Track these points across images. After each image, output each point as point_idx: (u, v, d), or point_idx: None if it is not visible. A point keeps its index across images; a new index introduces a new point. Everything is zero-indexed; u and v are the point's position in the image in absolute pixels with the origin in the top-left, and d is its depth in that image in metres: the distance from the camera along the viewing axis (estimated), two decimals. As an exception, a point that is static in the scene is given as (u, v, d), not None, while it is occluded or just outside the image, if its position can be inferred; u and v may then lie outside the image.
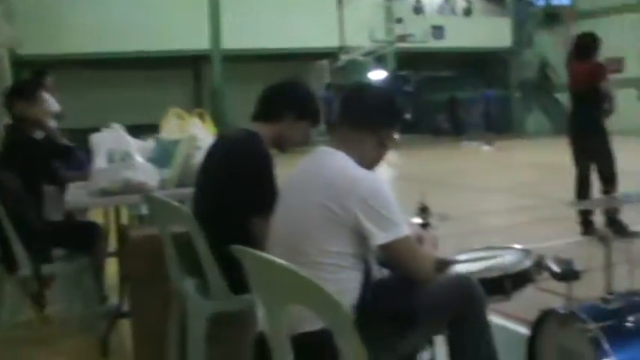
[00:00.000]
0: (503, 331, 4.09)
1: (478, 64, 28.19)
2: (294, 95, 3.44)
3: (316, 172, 2.68)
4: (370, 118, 2.78)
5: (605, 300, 3.10)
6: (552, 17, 26.85)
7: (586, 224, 7.29)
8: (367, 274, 2.67)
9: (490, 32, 27.35)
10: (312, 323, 2.35)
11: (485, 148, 21.32)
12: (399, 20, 24.66)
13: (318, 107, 3.47)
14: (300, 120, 3.40)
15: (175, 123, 5.05)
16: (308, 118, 3.43)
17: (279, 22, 23.06)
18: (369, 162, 2.77)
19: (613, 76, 24.70)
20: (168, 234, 3.43)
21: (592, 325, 2.92)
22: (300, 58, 25.18)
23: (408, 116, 23.00)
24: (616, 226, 7.01)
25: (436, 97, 31.76)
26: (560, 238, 7.19)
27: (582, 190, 7.40)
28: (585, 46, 7.46)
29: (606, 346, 2.87)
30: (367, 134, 2.77)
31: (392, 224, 2.56)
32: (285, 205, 2.75)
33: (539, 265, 3.07)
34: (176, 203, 3.30)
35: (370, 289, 2.65)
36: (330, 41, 24.36)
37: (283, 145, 3.44)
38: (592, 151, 7.35)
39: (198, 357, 3.20)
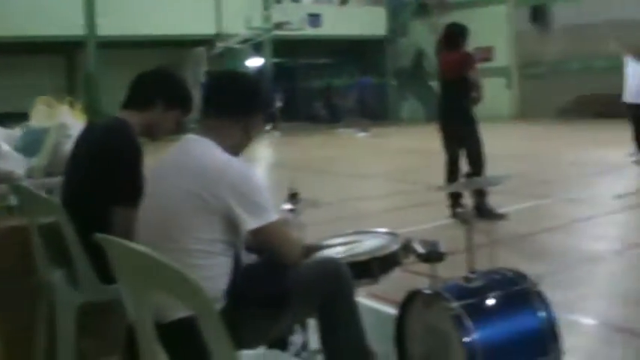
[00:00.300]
0: (372, 312, 4.22)
1: (354, 52, 28.62)
2: (164, 83, 3.41)
3: (184, 160, 2.69)
4: (235, 105, 2.81)
5: (467, 279, 3.25)
6: (425, 7, 27.57)
7: (455, 207, 7.57)
8: (237, 259, 2.70)
9: (366, 21, 27.81)
10: (180, 311, 2.37)
11: (361, 134, 21.69)
12: (276, 7, 24.69)
13: (190, 95, 3.45)
14: (170, 108, 3.37)
15: (45, 111, 4.93)
16: (179, 107, 3.41)
17: (155, 8, 22.66)
18: (236, 149, 2.80)
19: (483, 65, 25.69)
20: (36, 225, 3.35)
21: (454, 304, 3.05)
22: (177, 45, 24.84)
23: (279, 105, 23.15)
24: (482, 209, 7.33)
25: (313, 85, 32.08)
26: (431, 222, 7.44)
27: (451, 174, 7.69)
28: (454, 36, 7.71)
29: (468, 323, 3.00)
30: (232, 122, 2.80)
31: (262, 210, 2.61)
32: (153, 193, 2.75)
33: (406, 248, 3.18)
34: (44, 194, 3.23)
35: (240, 275, 2.69)
36: (206, 28, 24.14)
37: (154, 134, 3.41)
38: (460, 137, 7.63)
39: (68, 349, 3.15)
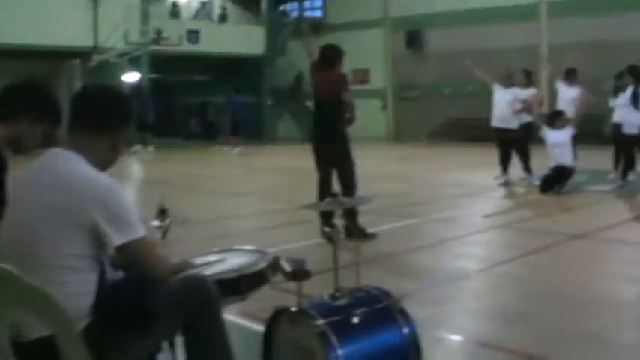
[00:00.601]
0: (239, 329, 4.24)
1: (232, 70, 28.60)
2: (31, 95, 3.32)
3: (48, 175, 2.64)
4: (102, 120, 2.79)
5: (333, 297, 3.32)
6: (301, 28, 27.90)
7: (326, 226, 7.64)
8: (102, 275, 2.67)
9: (244, 39, 27.88)
10: (40, 329, 2.32)
11: (235, 152, 21.65)
12: (155, 23, 24.39)
13: (59, 108, 3.37)
14: (37, 121, 3.29)
15: None
16: (46, 120, 3.33)
17: (30, 18, 21.87)
18: (103, 164, 2.78)
19: (360, 87, 26.06)
20: None
21: (320, 321, 3.12)
22: (52, 57, 24.09)
23: (151, 120, 22.86)
24: (353, 229, 7.47)
25: (190, 101, 31.80)
26: (302, 240, 7.52)
27: (323, 194, 7.77)
28: (329, 57, 7.85)
29: (334, 339, 3.07)
30: (100, 136, 2.78)
31: (128, 225, 2.60)
32: (14, 208, 2.68)
33: (274, 265, 3.22)
34: None
35: (106, 291, 2.66)
36: (83, 40, 23.54)
37: (20, 147, 3.31)
38: (333, 157, 7.75)
39: None
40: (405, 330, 3.25)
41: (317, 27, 25.82)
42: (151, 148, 22.12)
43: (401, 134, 27.20)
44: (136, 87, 23.31)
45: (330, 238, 3.47)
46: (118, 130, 2.83)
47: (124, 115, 2.87)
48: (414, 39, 26.86)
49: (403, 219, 9.10)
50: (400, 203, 10.36)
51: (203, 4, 29.44)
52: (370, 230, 7.78)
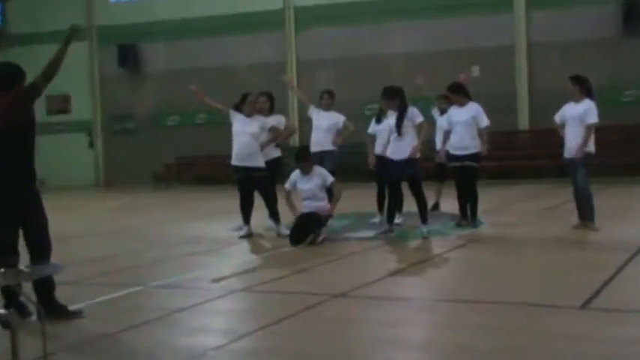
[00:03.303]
0: None
1: None
2: None
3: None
4: None
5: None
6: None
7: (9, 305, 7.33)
8: None
9: None
10: None
11: None
12: None
13: None
14: None
15: None
16: None
17: None
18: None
19: (57, 119, 25.48)
20: None
21: None
22: None
23: None
24: (52, 307, 7.22)
25: None
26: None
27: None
28: (4, 78, 7.56)
29: None
30: None
31: None
32: None
33: None
34: None
35: None
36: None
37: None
38: (16, 210, 7.39)
39: None
40: None
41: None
42: None
43: (115, 178, 26.97)
44: None
45: (5, 324, 3.29)
46: None
47: None
48: (128, 55, 26.74)
49: (118, 289, 8.92)
50: (113, 268, 10.18)
51: None
52: (73, 307, 7.56)
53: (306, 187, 11.94)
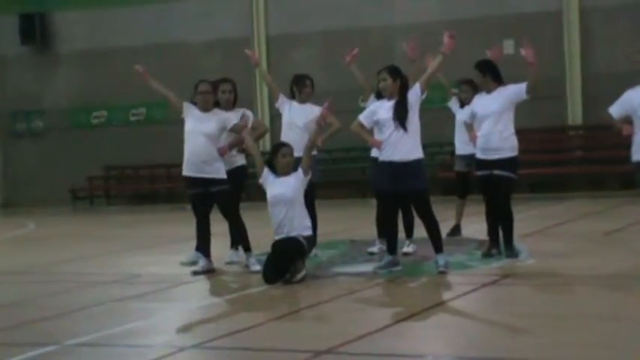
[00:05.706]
0: None
1: None
2: None
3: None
4: None
5: None
6: None
7: None
8: None
9: None
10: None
11: None
12: None
13: None
14: None
15: None
16: None
17: None
18: None
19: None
20: None
21: None
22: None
23: None
24: None
25: None
26: None
27: None
28: None
29: None
30: None
31: None
32: None
33: None
34: None
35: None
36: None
37: None
38: None
39: None
40: None
41: None
42: None
43: (17, 197, 26.90)
44: None
45: None
46: None
47: None
48: (33, 29, 26.65)
49: (22, 350, 8.89)
50: (15, 321, 10.16)
51: None
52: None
53: (279, 192, 11.70)
